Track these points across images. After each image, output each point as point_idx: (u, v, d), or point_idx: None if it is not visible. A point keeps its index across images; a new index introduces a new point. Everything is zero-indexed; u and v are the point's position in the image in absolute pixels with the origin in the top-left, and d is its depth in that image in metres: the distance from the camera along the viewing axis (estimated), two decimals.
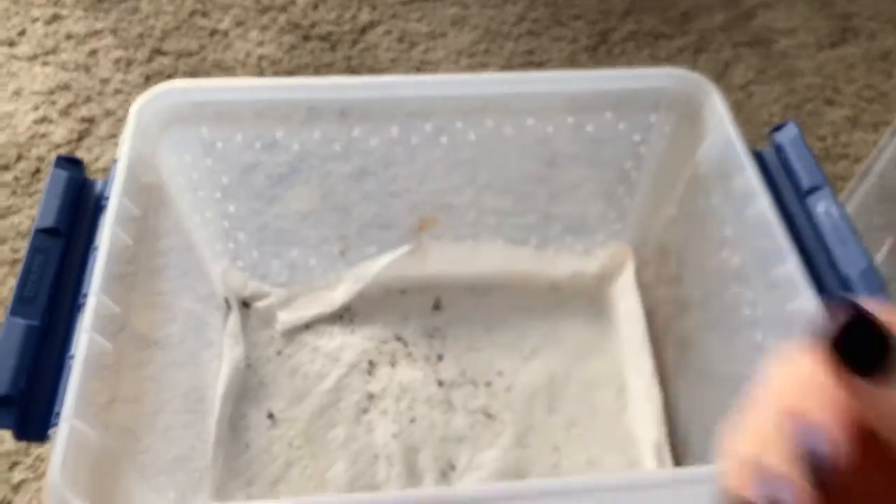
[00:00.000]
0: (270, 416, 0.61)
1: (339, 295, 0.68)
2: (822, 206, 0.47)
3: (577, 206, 0.74)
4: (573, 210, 0.74)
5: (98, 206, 0.47)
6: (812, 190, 0.48)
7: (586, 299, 0.69)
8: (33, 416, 0.38)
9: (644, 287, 0.67)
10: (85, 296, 0.41)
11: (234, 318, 0.65)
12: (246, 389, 0.62)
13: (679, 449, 0.58)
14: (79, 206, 0.47)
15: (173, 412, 0.58)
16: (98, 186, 0.49)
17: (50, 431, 0.36)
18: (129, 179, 0.48)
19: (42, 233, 0.44)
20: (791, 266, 0.44)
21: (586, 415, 0.62)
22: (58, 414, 0.37)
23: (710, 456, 0.54)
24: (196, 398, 0.59)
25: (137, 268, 0.50)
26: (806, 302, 0.43)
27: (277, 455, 0.59)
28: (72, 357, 0.39)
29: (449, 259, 0.68)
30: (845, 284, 0.44)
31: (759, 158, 0.51)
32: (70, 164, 0.48)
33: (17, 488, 0.63)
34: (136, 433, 0.54)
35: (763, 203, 0.46)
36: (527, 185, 0.73)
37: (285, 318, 0.66)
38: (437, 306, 0.68)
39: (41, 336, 0.40)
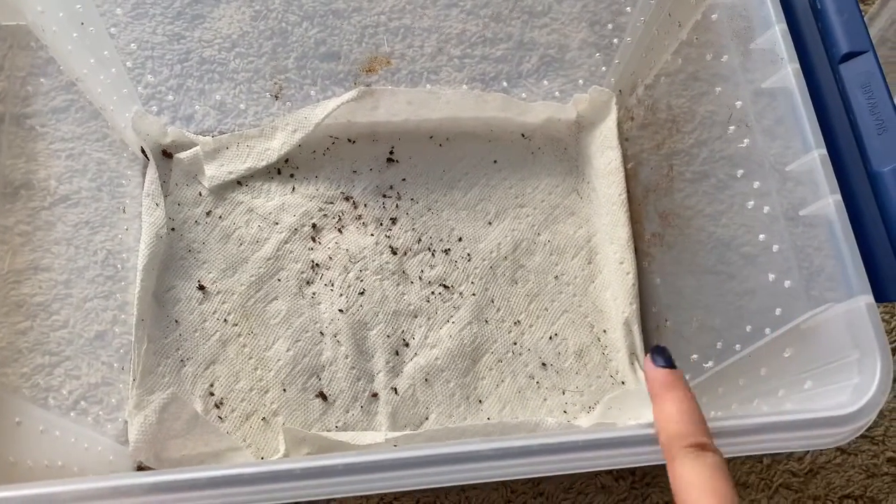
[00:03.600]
0: (201, 287, 0.54)
1: (275, 145, 0.58)
2: (859, 79, 0.38)
3: (556, 33, 0.63)
4: (552, 39, 0.63)
5: None
6: (850, 55, 0.39)
7: (559, 151, 0.61)
8: None
9: (627, 144, 0.58)
10: None
11: (152, 173, 0.56)
12: (171, 258, 0.55)
13: (651, 330, 0.54)
14: None
15: (90, 281, 0.51)
16: None
17: None
18: None
19: None
20: (812, 160, 0.36)
21: (551, 285, 0.57)
22: None
23: (685, 341, 0.50)
24: (117, 265, 0.52)
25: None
26: (823, 206, 0.36)
27: (211, 332, 0.53)
28: None
29: (405, 104, 0.58)
30: (875, 183, 0.36)
31: (787, 6, 0.41)
32: None
33: None
34: (47, 307, 0.48)
35: (789, 79, 0.37)
36: (499, 2, 0.61)
37: (213, 171, 0.57)
38: (390, 159, 0.59)
39: None
